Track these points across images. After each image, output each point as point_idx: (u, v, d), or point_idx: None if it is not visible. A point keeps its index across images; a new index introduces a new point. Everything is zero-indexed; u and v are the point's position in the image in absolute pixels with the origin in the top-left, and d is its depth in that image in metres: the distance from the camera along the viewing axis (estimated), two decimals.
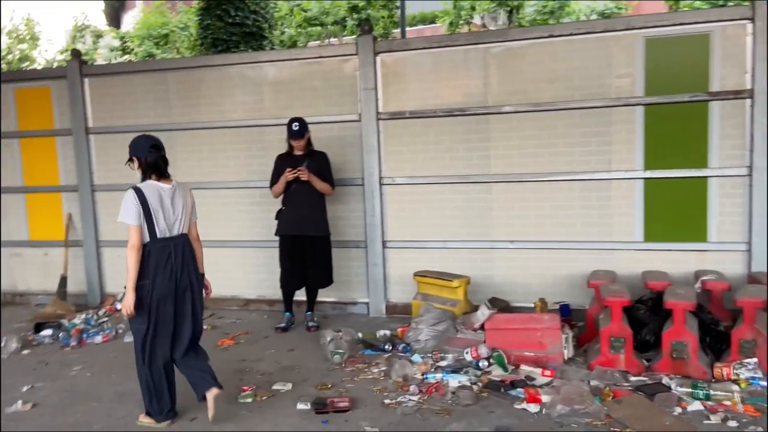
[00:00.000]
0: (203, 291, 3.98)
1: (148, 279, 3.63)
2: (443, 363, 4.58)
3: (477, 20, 16.51)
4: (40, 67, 17.95)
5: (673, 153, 5.29)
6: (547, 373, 4.27)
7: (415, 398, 4.02)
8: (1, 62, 17.29)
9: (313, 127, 5.61)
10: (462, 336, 4.81)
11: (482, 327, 4.76)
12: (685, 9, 11.67)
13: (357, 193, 6.11)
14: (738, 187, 5.18)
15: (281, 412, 3.95)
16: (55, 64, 18.37)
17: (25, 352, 5.37)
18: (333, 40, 16.76)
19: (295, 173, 5.36)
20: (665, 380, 4.08)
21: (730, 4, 10.43)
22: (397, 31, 15.61)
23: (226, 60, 6.75)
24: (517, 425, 3.63)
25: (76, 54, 6.95)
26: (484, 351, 4.51)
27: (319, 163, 5.52)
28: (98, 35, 20.46)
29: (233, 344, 5.40)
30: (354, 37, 7.09)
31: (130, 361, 3.89)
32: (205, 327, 5.77)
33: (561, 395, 3.79)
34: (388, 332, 5.34)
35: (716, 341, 4.43)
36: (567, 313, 5.26)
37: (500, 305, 5.23)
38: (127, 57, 18.10)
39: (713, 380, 4.06)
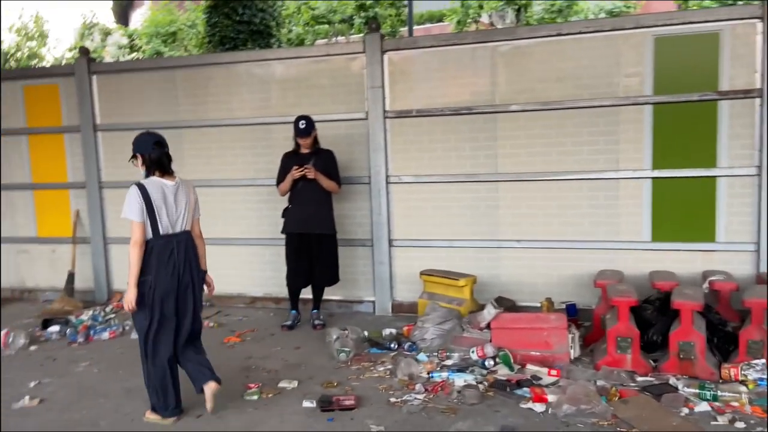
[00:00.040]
0: (206, 288, 4.01)
1: (151, 275, 3.65)
2: (449, 362, 4.58)
3: (485, 19, 16.46)
4: (48, 65, 18.02)
5: (681, 152, 5.27)
6: (554, 372, 4.26)
7: (421, 397, 4.02)
8: (1, 61, 17.37)
9: (320, 126, 5.61)
10: (468, 335, 4.81)
11: (488, 326, 4.75)
12: (694, 8, 11.60)
13: (363, 191, 6.11)
14: (747, 187, 5.15)
15: (287, 409, 3.96)
16: (64, 62, 18.44)
17: (33, 348, 5.41)
18: (340, 38, 16.74)
19: (301, 171, 5.36)
20: (672, 381, 4.06)
21: (740, 2, 10.35)
22: (404, 30, 15.58)
23: (234, 58, 6.76)
24: (523, 425, 3.62)
25: (84, 51, 6.98)
26: (490, 350, 4.51)
27: (325, 161, 5.52)
28: (106, 33, 20.52)
29: (239, 341, 5.41)
30: (361, 35, 7.08)
31: (137, 357, 3.90)
32: (211, 324, 5.86)
33: (567, 395, 3.78)
34: (394, 331, 5.34)
35: (724, 342, 4.40)
36: (573, 313, 5.24)
37: (506, 304, 5.22)
38: (135, 55, 18.15)
39: (721, 381, 4.04)
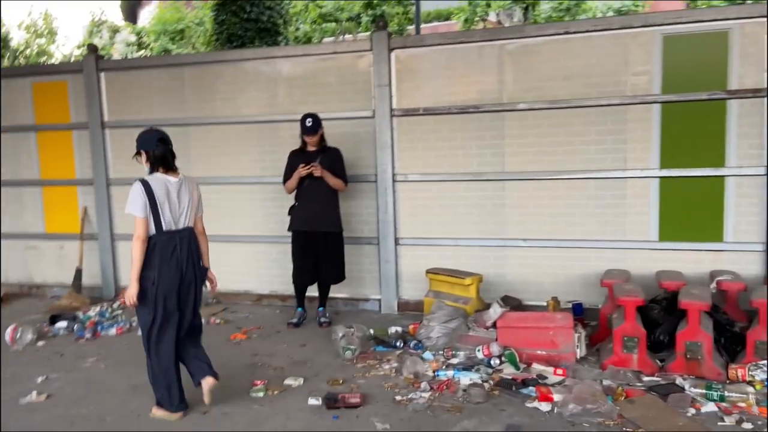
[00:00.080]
0: (209, 284, 4.05)
1: (154, 271, 3.67)
2: (455, 360, 4.57)
3: (492, 17, 16.42)
4: (57, 62, 18.10)
5: (689, 152, 5.24)
6: (560, 371, 4.25)
7: (426, 395, 4.02)
8: (1, 58, 17.50)
9: (327, 124, 5.61)
10: (474, 334, 4.80)
11: (494, 325, 4.74)
12: (702, 6, 11.54)
13: (370, 189, 6.11)
14: (755, 187, 5.11)
15: (293, 406, 3.97)
16: (72, 59, 18.52)
17: (41, 343, 5.43)
18: (347, 36, 16.74)
19: (308, 169, 5.36)
20: (679, 381, 4.05)
21: (749, 1, 10.30)
22: (411, 28, 15.57)
23: (241, 55, 6.77)
24: (529, 424, 3.62)
25: (92, 49, 7.01)
26: (495, 349, 4.50)
27: (332, 159, 5.53)
28: (115, 30, 20.60)
29: (245, 339, 5.42)
30: (368, 33, 7.08)
31: (144, 353, 3.91)
32: (218, 321, 5.88)
33: (573, 394, 3.78)
34: (399, 329, 5.34)
35: (731, 342, 4.38)
36: (580, 312, 5.23)
37: (512, 303, 5.21)
38: (143, 52, 18.22)
39: (728, 382, 4.03)
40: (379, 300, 6.17)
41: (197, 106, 6.58)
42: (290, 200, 5.66)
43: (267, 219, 6.42)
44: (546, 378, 4.19)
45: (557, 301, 5.31)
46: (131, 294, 3.67)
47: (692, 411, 3.67)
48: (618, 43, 5.34)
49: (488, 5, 15.69)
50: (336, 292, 5.98)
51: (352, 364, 4.66)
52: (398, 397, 4.02)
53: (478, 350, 4.56)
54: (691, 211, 5.29)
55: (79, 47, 19.99)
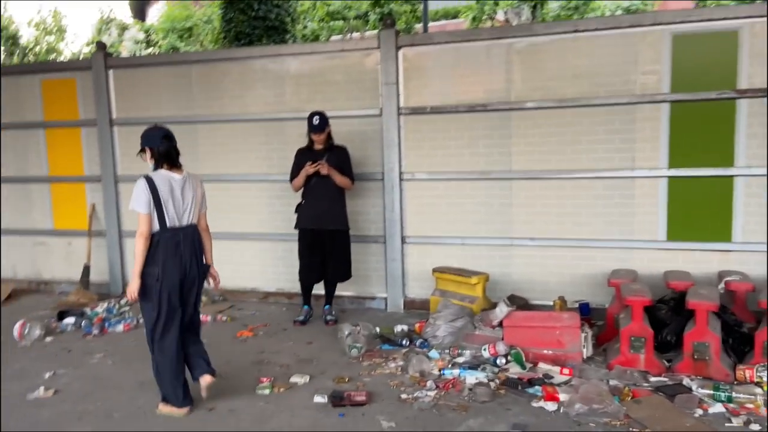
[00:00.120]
0: (212, 281, 4.09)
1: (158, 267, 3.70)
2: (460, 359, 4.57)
3: (500, 15, 16.37)
4: (66, 60, 18.18)
5: (698, 151, 5.21)
6: (566, 371, 4.24)
7: (432, 394, 4.02)
8: (1, 56, 17.66)
9: (334, 122, 5.61)
10: (480, 333, 4.79)
11: (500, 324, 4.73)
12: (712, 5, 11.47)
13: (377, 188, 6.11)
14: (764, 187, 5.08)
15: (298, 404, 3.98)
16: (81, 57, 18.60)
17: (48, 339, 5.46)
18: (355, 34, 16.74)
19: (315, 167, 5.36)
20: (686, 381, 4.04)
21: (759, 0, 10.23)
22: (419, 26, 15.54)
23: (249, 53, 6.78)
24: (535, 423, 3.61)
25: (101, 46, 7.04)
26: (502, 348, 4.49)
27: (339, 157, 5.53)
28: (123, 28, 20.66)
29: (252, 336, 5.43)
30: (376, 31, 7.08)
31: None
32: (224, 318, 5.89)
33: (579, 394, 3.76)
34: (405, 327, 5.34)
35: (739, 343, 4.36)
36: (586, 312, 5.21)
37: (519, 302, 5.19)
38: (151, 50, 18.27)
39: (735, 382, 4.01)
40: (386, 298, 6.17)
41: (205, 103, 6.59)
42: (297, 198, 5.67)
43: (274, 217, 6.43)
44: (552, 377, 4.19)
45: (564, 301, 5.29)
46: (132, 289, 3.71)
47: (699, 412, 3.66)
48: (627, 42, 5.31)
49: (496, 3, 15.64)
50: (342, 290, 5.98)
51: (358, 362, 4.66)
52: (404, 396, 4.02)
53: (484, 349, 4.55)
54: (699, 211, 5.27)
55: (88, 45, 20.06)
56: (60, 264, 7.33)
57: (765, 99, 5.00)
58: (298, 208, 5.61)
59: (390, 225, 6.05)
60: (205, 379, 3.91)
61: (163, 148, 3.77)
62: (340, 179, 5.48)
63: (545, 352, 4.48)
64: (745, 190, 5.13)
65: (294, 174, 5.57)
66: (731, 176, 5.16)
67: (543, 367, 4.36)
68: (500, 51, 5.65)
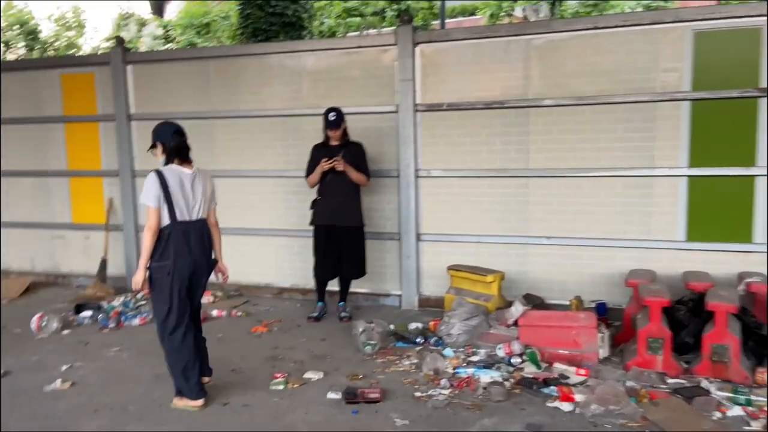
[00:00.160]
0: (221, 276, 4.14)
1: (169, 261, 3.74)
2: (475, 358, 4.55)
3: (518, 12, 16.27)
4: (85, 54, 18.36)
5: (719, 150, 5.13)
6: (582, 372, 4.20)
7: (446, 392, 4.00)
8: (0, 53, 17.90)
9: (350, 118, 5.60)
10: (495, 331, 4.77)
11: (516, 323, 4.71)
12: (735, 2, 11.30)
13: (392, 184, 6.09)
14: None
15: (312, 400, 3.98)
16: (100, 52, 18.77)
17: (66, 332, 5.52)
18: (372, 31, 16.72)
19: (331, 163, 5.36)
20: (704, 384, 3.98)
21: None
22: (436, 23, 15.49)
23: (266, 49, 6.79)
24: (549, 424, 3.58)
25: (120, 41, 7.07)
26: (517, 347, 4.47)
27: (355, 153, 5.52)
28: (142, 24, 20.83)
29: (266, 331, 5.45)
30: (393, 28, 7.05)
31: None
32: (239, 314, 5.92)
33: (596, 395, 3.73)
34: (420, 325, 5.32)
35: (759, 345, 4.28)
36: (603, 312, 5.16)
37: (535, 301, 5.17)
38: (169, 45, 18.39)
39: (755, 385, 3.95)
40: (400, 296, 6.16)
41: (222, 99, 6.61)
42: (313, 194, 5.66)
43: (289, 213, 6.43)
44: (568, 378, 4.15)
45: (580, 300, 5.25)
46: (138, 280, 3.78)
47: (718, 415, 3.61)
48: (648, 39, 5.24)
49: (514, 0, 15.55)
50: (357, 287, 5.98)
51: (371, 360, 4.65)
52: (418, 394, 4.01)
53: (499, 348, 4.53)
54: (719, 211, 5.19)
55: (107, 40, 20.24)
56: (78, 257, 7.40)
57: None
58: (314, 205, 5.61)
59: (405, 222, 6.03)
60: (202, 379, 3.97)
61: (173, 143, 3.81)
62: (355, 175, 5.47)
63: (561, 352, 4.44)
64: (766, 190, 5.04)
65: (310, 170, 5.56)
66: (752, 176, 5.07)
67: (558, 367, 4.32)
68: (518, 47, 5.60)
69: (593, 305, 5.25)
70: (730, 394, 3.76)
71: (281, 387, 4.17)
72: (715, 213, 5.20)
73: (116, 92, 6.91)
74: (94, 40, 21.46)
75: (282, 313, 5.97)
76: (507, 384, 4.07)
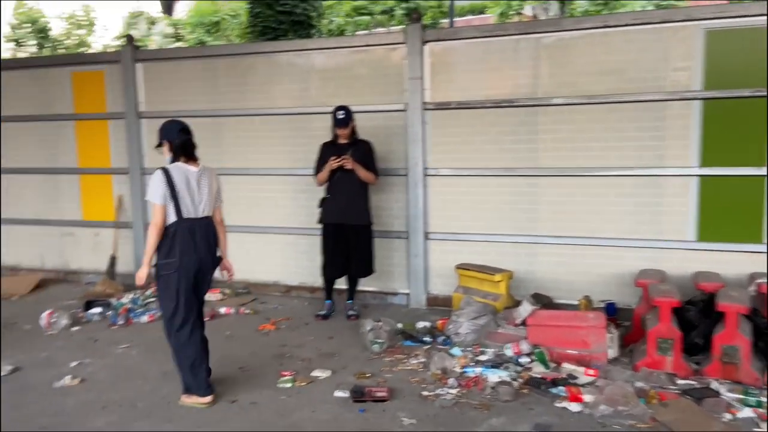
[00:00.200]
0: (226, 273, 4.16)
1: (176, 258, 3.75)
2: (483, 357, 4.53)
3: (528, 11, 16.22)
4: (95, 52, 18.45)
5: (730, 150, 5.09)
6: (591, 372, 4.18)
7: (454, 391, 3.99)
8: (0, 51, 18.06)
9: (359, 116, 5.59)
10: (503, 331, 4.75)
11: (524, 323, 4.69)
12: (746, 1, 11.21)
13: (400, 183, 6.08)
14: None
15: (319, 398, 3.98)
16: (110, 50, 18.86)
17: (75, 328, 5.55)
18: (381, 29, 16.72)
19: (339, 161, 5.36)
20: (714, 385, 3.95)
21: None
22: (445, 21, 15.47)
23: (275, 47, 6.79)
24: (558, 424, 3.57)
25: (130, 39, 7.10)
26: (525, 347, 4.45)
27: (363, 152, 5.51)
28: (152, 22, 20.93)
29: (274, 329, 5.45)
30: (402, 26, 7.03)
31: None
32: (247, 311, 5.92)
33: (604, 395, 3.71)
34: (428, 324, 5.31)
35: None
36: (613, 312, 5.14)
37: (543, 301, 5.14)
38: (179, 43, 18.46)
39: (765, 387, 3.91)
40: (408, 294, 6.15)
41: (231, 97, 6.62)
42: (321, 192, 5.66)
43: (298, 211, 6.44)
44: (576, 378, 4.13)
45: (589, 300, 5.22)
46: (141, 276, 3.83)
47: (728, 416, 3.58)
48: (658, 38, 5.20)
49: None
50: (365, 285, 5.98)
51: (379, 358, 4.65)
52: (425, 393, 4.00)
53: (507, 348, 4.51)
54: (730, 211, 5.14)
55: (117, 38, 20.36)
56: (87, 254, 7.44)
57: None
58: (322, 203, 5.61)
59: (413, 221, 6.02)
60: None
61: (179, 141, 3.84)
62: (364, 174, 5.47)
63: (570, 352, 4.42)
64: None
65: (318, 168, 5.57)
66: (763, 176, 5.03)
67: (567, 367, 4.29)
68: (528, 46, 5.58)
69: (602, 305, 5.22)
70: (741, 396, 3.73)
71: (289, 385, 4.17)
72: (726, 213, 5.15)
73: (126, 90, 6.93)
74: (104, 38, 21.60)
75: (290, 311, 5.98)
76: (515, 384, 4.05)
